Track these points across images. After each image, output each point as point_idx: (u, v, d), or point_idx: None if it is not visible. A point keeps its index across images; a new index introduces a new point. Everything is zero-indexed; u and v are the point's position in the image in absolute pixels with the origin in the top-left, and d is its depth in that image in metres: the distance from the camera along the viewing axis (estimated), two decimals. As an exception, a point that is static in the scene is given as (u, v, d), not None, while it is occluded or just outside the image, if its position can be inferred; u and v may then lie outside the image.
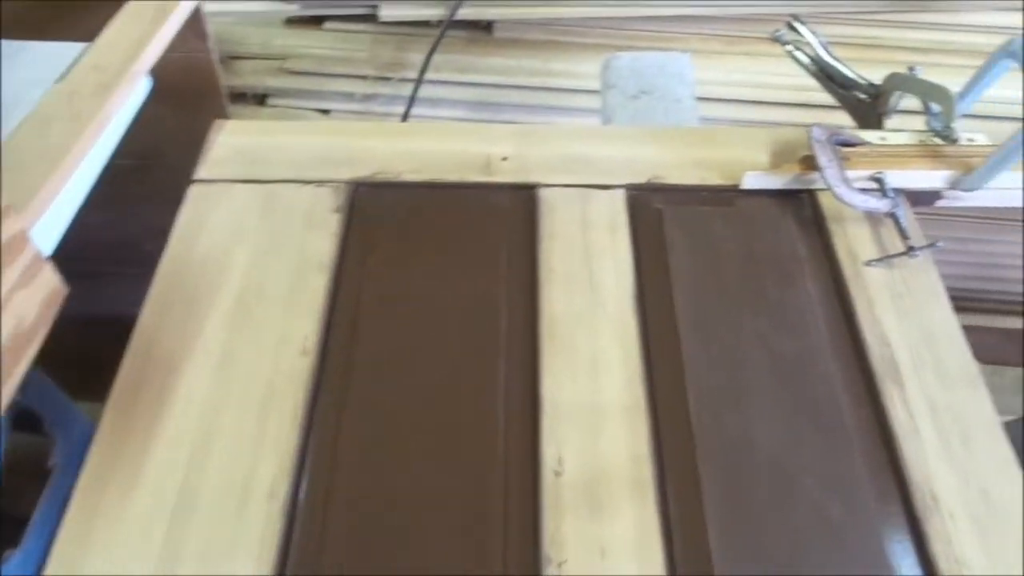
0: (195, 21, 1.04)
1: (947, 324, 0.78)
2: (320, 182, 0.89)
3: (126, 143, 0.93)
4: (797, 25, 1.02)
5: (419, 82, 1.39)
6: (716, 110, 1.39)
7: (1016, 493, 0.67)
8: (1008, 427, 1.44)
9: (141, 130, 0.95)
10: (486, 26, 1.47)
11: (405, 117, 1.40)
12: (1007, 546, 0.64)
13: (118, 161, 0.90)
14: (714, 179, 0.91)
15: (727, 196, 0.90)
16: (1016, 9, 1.36)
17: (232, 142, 0.94)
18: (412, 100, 1.40)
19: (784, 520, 0.65)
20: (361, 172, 0.91)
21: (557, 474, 0.68)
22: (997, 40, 1.42)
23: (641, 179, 0.90)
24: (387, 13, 1.41)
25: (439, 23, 1.39)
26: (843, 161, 0.88)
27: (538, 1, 1.41)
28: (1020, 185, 0.89)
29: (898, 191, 0.90)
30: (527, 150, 0.93)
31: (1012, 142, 0.82)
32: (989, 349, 1.72)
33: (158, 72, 0.98)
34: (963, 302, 1.72)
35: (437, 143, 0.93)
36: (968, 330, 1.73)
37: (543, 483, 0.67)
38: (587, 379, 0.73)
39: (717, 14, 1.41)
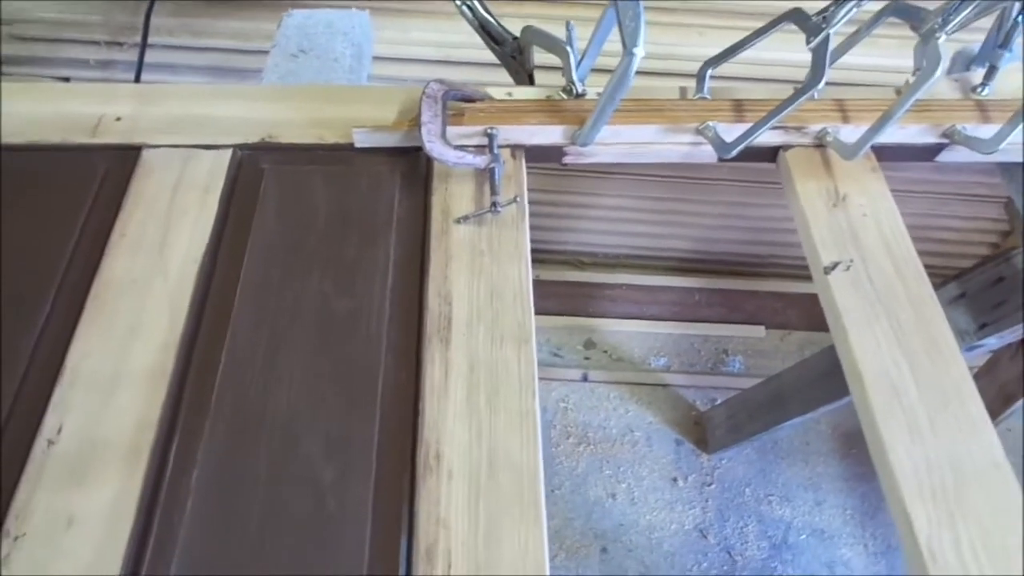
0: None
1: (518, 282, 0.77)
2: (-97, 147, 0.84)
3: None
4: (458, -20, 0.99)
5: (143, 47, 1.34)
6: (454, 72, 1.37)
7: (529, 453, 0.66)
8: (756, 388, 1.45)
9: None
10: (227, -13, 1.43)
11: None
12: (491, 507, 0.62)
13: None
14: (332, 138, 0.88)
15: (343, 155, 0.87)
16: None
17: None
18: (140, 66, 1.35)
19: (272, 486, 0.63)
20: (-44, 135, 0.86)
21: (50, 443, 0.65)
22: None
23: (254, 139, 0.87)
24: (93, -24, 1.35)
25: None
26: (456, 117, 0.86)
27: (279, -40, 1.36)
28: (634, 140, 0.88)
29: (517, 147, 0.88)
30: (144, 110, 0.89)
31: (604, 95, 0.80)
32: (773, 314, 1.73)
33: None
34: (744, 267, 1.72)
35: (45, 104, 0.89)
36: (752, 295, 1.74)
37: (33, 452, 0.64)
38: (119, 346, 0.70)
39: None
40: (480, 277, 0.77)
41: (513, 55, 0.98)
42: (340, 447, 0.65)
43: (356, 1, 1.42)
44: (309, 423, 0.67)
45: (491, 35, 0.99)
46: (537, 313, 1.77)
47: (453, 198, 0.83)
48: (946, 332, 0.74)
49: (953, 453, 0.67)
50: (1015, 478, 0.67)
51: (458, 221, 0.80)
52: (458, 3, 1.00)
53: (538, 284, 1.79)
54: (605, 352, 1.76)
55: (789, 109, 0.80)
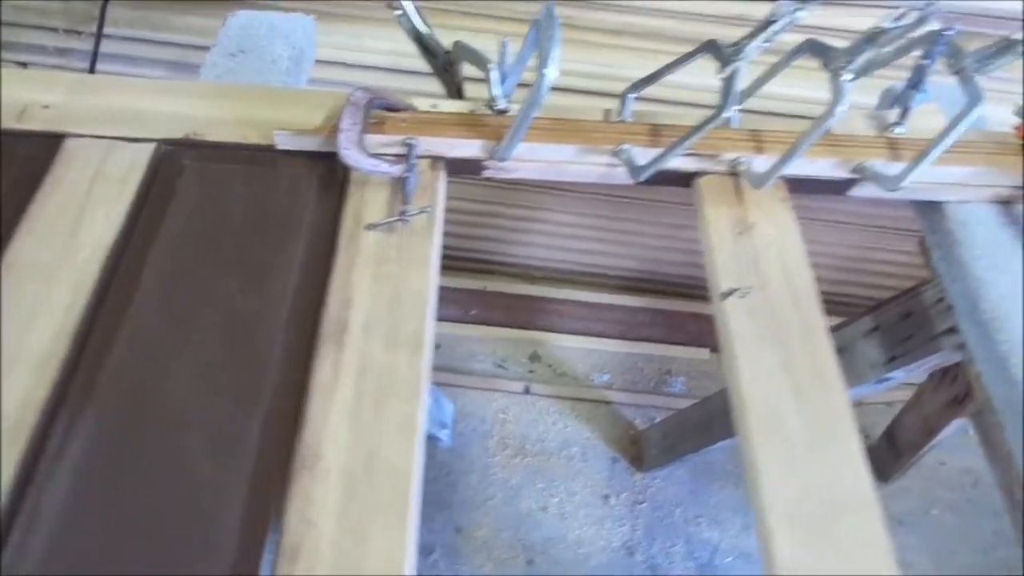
0: None
1: (421, 290, 0.78)
2: None
3: None
4: (399, -10, 1.00)
5: (98, 37, 1.35)
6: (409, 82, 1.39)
7: (407, 458, 0.67)
8: (690, 409, 1.46)
9: None
10: (187, -17, 1.44)
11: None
12: (362, 509, 0.63)
13: None
14: (255, 138, 0.89)
15: (265, 156, 0.88)
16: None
17: None
18: (95, 56, 1.36)
19: (149, 478, 0.64)
20: None
21: (-68, 423, 0.65)
22: (685, 25, 1.44)
23: (178, 134, 0.88)
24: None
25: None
26: (376, 125, 0.87)
27: (241, -39, 1.38)
28: (552, 158, 0.89)
29: (438, 159, 0.90)
30: (73, 99, 0.90)
31: (520, 112, 0.82)
32: (709, 335, 1.75)
33: None
34: (690, 289, 1.74)
35: (-28, 88, 0.90)
36: (696, 317, 1.76)
37: (-86, 432, 0.64)
38: (17, 327, 0.71)
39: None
40: (383, 283, 0.78)
41: (445, 67, 1.00)
42: (222, 444, 0.66)
43: (312, 3, 1.44)
44: (195, 418, 0.67)
45: (426, 47, 1.00)
46: (484, 324, 1.79)
47: (367, 205, 0.84)
48: (833, 366, 0.76)
49: (826, 485, 0.69)
50: (882, 515, 0.68)
51: (368, 227, 0.82)
52: (399, 14, 1.02)
53: (486, 295, 1.81)
54: (550, 366, 1.77)
55: (696, 137, 0.82)
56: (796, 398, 0.73)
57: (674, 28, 1.43)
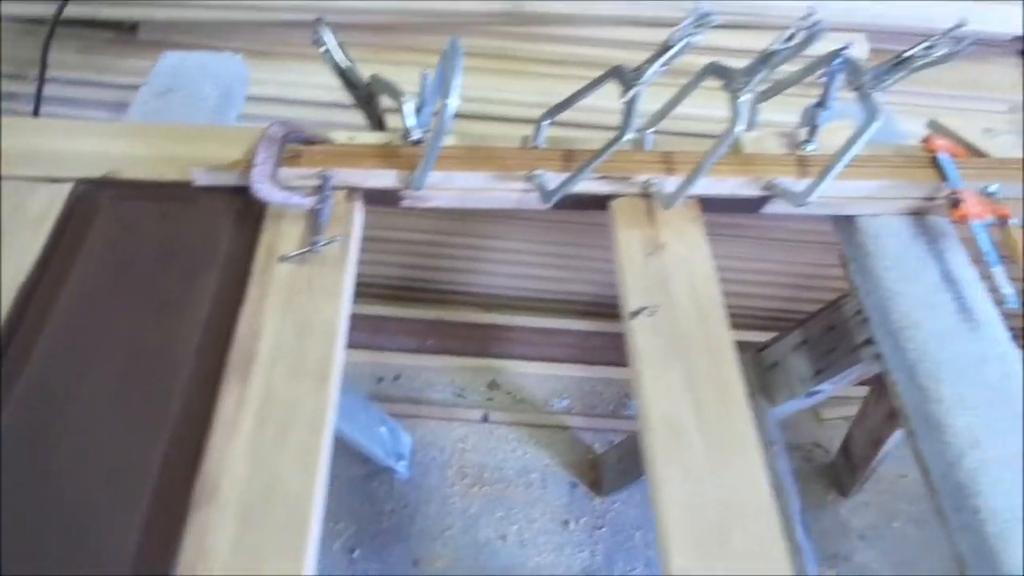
0: None
1: (331, 320, 0.78)
2: None
3: None
4: (322, 28, 1.02)
5: (41, 80, 1.38)
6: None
7: (307, 488, 0.67)
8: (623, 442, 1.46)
9: None
10: (131, 27, 1.46)
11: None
12: (259, 539, 0.64)
13: None
14: (174, 175, 0.90)
15: (183, 192, 0.89)
16: (632, 23, 1.40)
17: None
18: (38, 100, 1.38)
19: (43, 515, 0.64)
20: None
21: None
22: (616, 53, 1.47)
23: (97, 173, 0.90)
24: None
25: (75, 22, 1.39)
26: (292, 159, 0.89)
27: (184, 3, 1.40)
28: (467, 186, 0.91)
29: (355, 190, 0.91)
30: (-4, 142, 0.92)
31: (429, 142, 0.84)
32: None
33: None
34: (601, 307, 1.76)
35: None
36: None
37: None
38: (-79, 371, 0.72)
39: (363, 21, 1.42)
40: (293, 314, 0.79)
41: (367, 100, 1.02)
42: (122, 475, 0.67)
43: (250, 43, 1.46)
44: (100, 452, 0.68)
45: (348, 80, 1.02)
46: (442, 354, 1.79)
47: (282, 238, 0.85)
48: (737, 381, 0.77)
49: (725, 498, 0.69)
50: (780, 527, 0.68)
51: (281, 259, 0.83)
52: (324, 50, 1.04)
53: (442, 325, 1.82)
54: (509, 393, 1.77)
55: (600, 160, 0.84)
56: (697, 413, 0.74)
57: (615, 57, 1.45)
